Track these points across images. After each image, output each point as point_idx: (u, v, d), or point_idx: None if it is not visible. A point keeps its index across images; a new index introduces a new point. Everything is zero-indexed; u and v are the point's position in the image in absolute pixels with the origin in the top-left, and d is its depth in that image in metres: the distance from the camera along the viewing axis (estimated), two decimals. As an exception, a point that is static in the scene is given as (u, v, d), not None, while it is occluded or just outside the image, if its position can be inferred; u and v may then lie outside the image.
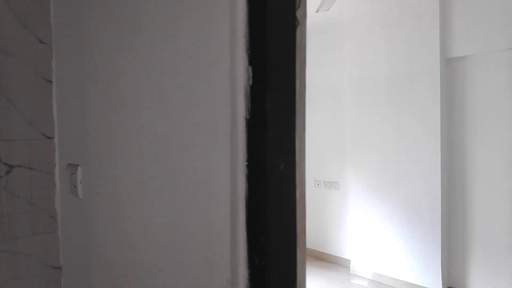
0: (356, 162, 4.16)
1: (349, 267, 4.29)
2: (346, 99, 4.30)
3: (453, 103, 3.53)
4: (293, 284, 0.57)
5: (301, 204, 0.60)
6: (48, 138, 1.30)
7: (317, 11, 2.99)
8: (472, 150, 3.41)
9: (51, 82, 1.29)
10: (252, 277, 0.55)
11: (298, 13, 0.58)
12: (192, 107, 0.61)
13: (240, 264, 0.56)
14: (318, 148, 4.71)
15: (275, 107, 0.55)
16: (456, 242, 3.55)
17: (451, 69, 3.53)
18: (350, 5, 3.81)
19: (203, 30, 0.59)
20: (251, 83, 0.54)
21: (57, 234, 1.32)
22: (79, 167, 1.10)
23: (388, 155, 3.86)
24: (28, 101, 1.25)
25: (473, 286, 3.44)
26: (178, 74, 0.64)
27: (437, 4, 3.43)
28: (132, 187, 0.82)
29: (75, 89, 1.16)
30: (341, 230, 4.47)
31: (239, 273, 0.56)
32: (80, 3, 1.11)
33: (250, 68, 0.54)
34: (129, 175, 0.83)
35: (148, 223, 0.75)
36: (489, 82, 3.28)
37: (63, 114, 1.26)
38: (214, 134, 0.57)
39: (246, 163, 0.55)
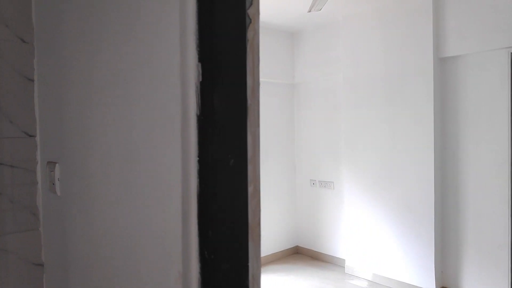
0: (351, 162, 4.17)
1: (344, 267, 4.30)
2: (341, 99, 4.31)
3: (446, 102, 3.54)
4: (245, 277, 0.58)
5: (255, 199, 0.60)
6: (30, 136, 1.31)
7: (309, 11, 3.00)
8: (465, 150, 3.41)
9: (32, 80, 1.31)
10: (203, 270, 0.56)
11: (250, 11, 0.59)
12: (146, 104, 0.62)
13: (192, 258, 0.57)
14: (313, 148, 4.72)
15: (225, 104, 0.55)
16: (450, 242, 3.55)
17: (444, 68, 3.53)
18: (345, 4, 3.82)
19: (155, 27, 0.59)
20: (201, 79, 0.55)
21: (39, 231, 1.33)
22: (57, 165, 1.11)
23: (382, 154, 3.86)
24: (10, 99, 1.26)
25: (466, 286, 3.44)
26: (135, 72, 0.65)
27: (431, 4, 3.43)
28: (100, 185, 0.83)
29: (55, 88, 1.17)
30: (336, 229, 4.48)
31: (191, 266, 0.57)
32: (60, 3, 1.12)
33: (200, 65, 0.55)
34: (98, 173, 0.84)
35: (113, 219, 0.76)
36: (482, 82, 3.28)
37: (45, 112, 1.27)
38: (166, 130, 0.58)
39: (198, 158, 0.56)
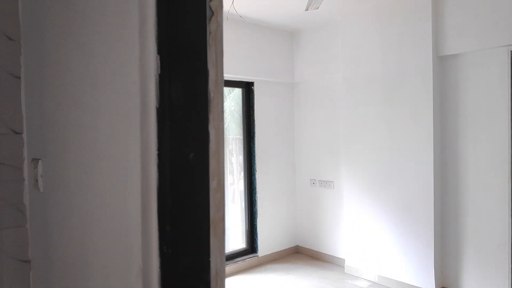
0: (351, 161, 4.14)
1: (344, 266, 4.27)
2: (340, 98, 4.29)
3: (445, 101, 3.50)
4: (206, 273, 0.57)
5: (218, 194, 0.60)
6: (17, 133, 1.31)
7: (307, 9, 2.98)
8: (465, 149, 3.38)
9: (19, 78, 1.31)
10: (163, 265, 0.56)
11: (213, 4, 0.58)
12: (109, 98, 0.62)
13: (152, 253, 0.56)
14: (313, 147, 4.70)
15: (183, 96, 0.55)
16: (449, 242, 3.52)
17: (443, 67, 3.50)
18: (344, 3, 3.80)
19: (116, 19, 0.59)
20: (159, 71, 0.55)
21: (26, 228, 1.33)
22: (39, 161, 1.12)
23: (382, 154, 3.84)
24: (-3, 97, 1.27)
25: (466, 286, 3.40)
26: (99, 66, 0.65)
27: (430, 2, 3.40)
28: (74, 181, 0.82)
29: (39, 85, 1.18)
30: (336, 229, 4.46)
31: (151, 261, 0.56)
32: (45, 0, 1.12)
33: (158, 57, 0.55)
34: (72, 170, 0.84)
35: (84, 214, 0.76)
36: (481, 80, 3.25)
37: (31, 110, 1.27)
38: (127, 123, 0.58)
39: (157, 152, 0.55)
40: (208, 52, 0.57)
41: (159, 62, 0.54)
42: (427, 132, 3.45)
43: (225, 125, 5.59)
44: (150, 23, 0.55)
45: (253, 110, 4.54)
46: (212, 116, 0.58)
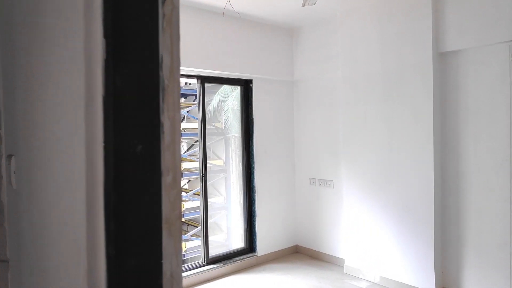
0: (350, 160, 4.09)
1: (343, 266, 4.22)
2: (339, 96, 4.23)
3: (446, 99, 3.44)
4: (157, 276, 0.53)
5: (174, 190, 0.55)
6: (-6, 129, 1.27)
7: (303, 5, 2.93)
8: (466, 147, 3.31)
9: (-3, 72, 1.27)
10: (109, 267, 0.51)
11: (166, -16, 0.54)
12: (59, 87, 0.57)
13: (98, 253, 0.52)
14: (313, 146, 4.64)
15: (129, 84, 0.50)
16: (450, 242, 3.45)
17: (444, 63, 3.43)
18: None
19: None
20: (105, 57, 0.50)
21: (4, 227, 1.29)
22: (12, 157, 1.08)
23: (381, 152, 3.78)
24: (-27, 91, 1.23)
25: (467, 287, 3.34)
26: (52, 54, 0.60)
27: (430, -2, 3.34)
28: (38, 178, 0.79)
29: (13, 78, 1.14)
30: (336, 229, 4.40)
31: (98, 262, 0.52)
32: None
33: (104, 41, 0.50)
34: (37, 165, 0.80)
35: (45, 214, 0.72)
36: (482, 77, 3.18)
37: (9, 105, 1.24)
38: (72, 114, 0.54)
39: (103, 145, 0.51)
40: (162, 36, 0.53)
41: (105, 46, 0.50)
42: (427, 130, 3.39)
43: (228, 124, 5.55)
44: (97, 3, 0.50)
45: (251, 108, 4.49)
46: (166, 106, 0.53)
